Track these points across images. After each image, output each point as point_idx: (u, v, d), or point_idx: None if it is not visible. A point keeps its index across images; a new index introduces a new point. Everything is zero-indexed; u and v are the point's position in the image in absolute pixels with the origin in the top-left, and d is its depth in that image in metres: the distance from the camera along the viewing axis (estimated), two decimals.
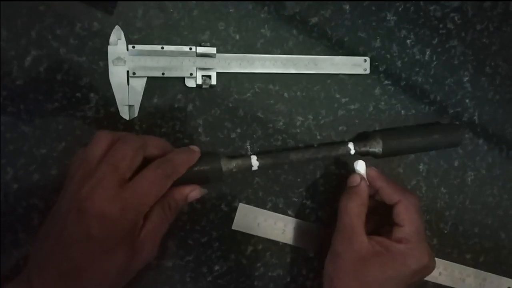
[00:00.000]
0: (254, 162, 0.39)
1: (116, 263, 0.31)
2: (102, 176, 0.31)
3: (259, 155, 0.39)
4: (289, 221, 0.43)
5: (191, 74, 0.40)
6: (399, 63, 0.46)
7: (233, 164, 0.38)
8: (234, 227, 0.42)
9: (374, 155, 0.42)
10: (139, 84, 0.39)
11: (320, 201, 0.44)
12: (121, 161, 0.31)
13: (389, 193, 0.38)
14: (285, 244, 0.43)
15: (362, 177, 0.39)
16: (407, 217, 0.37)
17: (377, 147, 0.41)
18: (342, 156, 0.42)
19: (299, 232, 0.44)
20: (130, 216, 0.31)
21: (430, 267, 0.38)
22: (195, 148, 0.37)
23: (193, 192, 0.36)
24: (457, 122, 0.47)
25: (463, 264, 0.48)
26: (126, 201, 0.30)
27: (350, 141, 0.42)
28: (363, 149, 0.42)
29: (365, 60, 0.44)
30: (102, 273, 0.30)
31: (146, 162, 0.33)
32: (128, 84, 0.39)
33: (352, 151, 0.41)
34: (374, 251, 0.36)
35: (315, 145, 0.43)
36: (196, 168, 0.36)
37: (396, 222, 0.38)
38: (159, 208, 0.34)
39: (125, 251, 0.31)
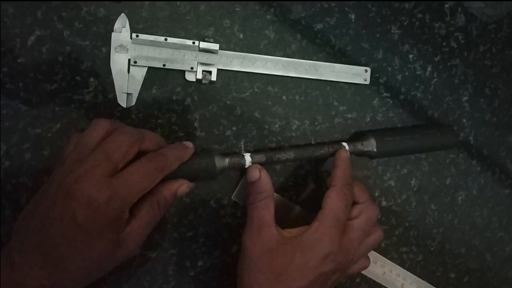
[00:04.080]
0: (248, 159, 0.39)
1: (97, 250, 0.31)
2: (95, 163, 0.31)
3: (252, 153, 0.39)
4: (288, 206, 0.43)
5: (191, 68, 0.40)
6: (399, 77, 0.46)
7: (227, 161, 0.38)
8: (233, 197, 0.42)
9: (369, 155, 0.42)
10: (139, 73, 0.39)
11: (310, 207, 0.44)
12: (115, 151, 0.32)
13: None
14: None
15: (260, 169, 0.38)
16: (331, 201, 0.36)
17: (371, 147, 0.41)
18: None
19: (298, 219, 0.44)
20: (117, 205, 0.31)
21: (340, 259, 0.36)
22: (189, 144, 0.37)
23: (182, 187, 0.36)
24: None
25: (446, 284, 0.48)
26: (115, 190, 0.31)
27: (344, 140, 0.42)
28: (358, 148, 0.41)
29: (366, 71, 0.44)
30: (82, 259, 0.30)
31: (140, 155, 0.33)
32: (128, 72, 0.39)
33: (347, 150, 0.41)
34: (283, 241, 0.35)
35: (307, 145, 0.43)
36: (189, 165, 0.36)
37: (321, 206, 0.37)
38: (147, 206, 0.34)
39: (107, 241, 0.31)
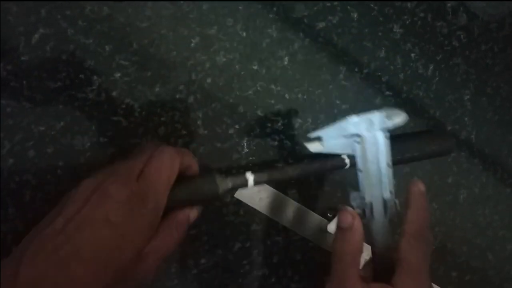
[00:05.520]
0: (250, 179, 0.36)
1: (122, 259, 0.30)
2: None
3: (254, 171, 0.37)
4: (291, 204, 0.43)
5: None
6: (401, 76, 0.46)
7: (229, 183, 0.36)
8: (236, 195, 0.42)
9: None
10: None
11: (313, 206, 0.44)
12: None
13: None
14: (273, 244, 0.43)
15: (354, 216, 0.34)
16: (407, 255, 0.33)
17: None
18: (337, 168, 0.39)
19: (298, 216, 0.44)
20: (151, 206, 0.31)
21: None
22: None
23: (192, 213, 0.35)
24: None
25: (448, 282, 0.48)
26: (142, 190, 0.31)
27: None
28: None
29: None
30: (106, 267, 0.29)
31: None
32: None
33: (347, 163, 0.39)
34: None
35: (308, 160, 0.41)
36: (192, 189, 0.35)
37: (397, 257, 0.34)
38: (166, 228, 0.33)
39: (134, 249, 0.30)
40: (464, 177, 0.48)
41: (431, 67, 0.47)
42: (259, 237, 0.43)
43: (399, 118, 0.35)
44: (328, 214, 0.44)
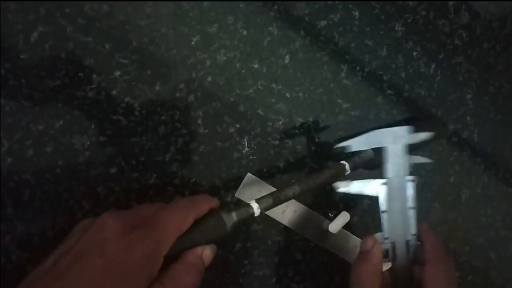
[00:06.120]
0: (255, 207, 0.36)
1: None
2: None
3: (258, 199, 0.36)
4: (291, 202, 0.43)
5: None
6: (403, 74, 0.46)
7: (234, 216, 0.35)
8: (237, 194, 0.42)
9: (369, 166, 0.41)
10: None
11: (312, 205, 0.44)
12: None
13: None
14: (274, 244, 0.43)
15: (375, 241, 0.36)
16: (432, 279, 0.35)
17: (369, 157, 0.40)
18: (337, 176, 0.39)
19: (299, 216, 0.43)
20: (152, 245, 0.30)
21: None
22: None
23: (205, 251, 0.34)
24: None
25: None
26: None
27: (343, 159, 0.40)
28: (357, 163, 0.40)
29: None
30: None
31: None
32: None
33: (348, 169, 0.39)
34: None
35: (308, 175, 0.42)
36: (199, 230, 0.34)
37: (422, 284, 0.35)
38: (171, 270, 0.31)
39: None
40: (466, 176, 0.48)
41: (433, 65, 0.46)
42: (260, 237, 0.43)
43: (424, 134, 0.38)
44: (329, 214, 0.44)
